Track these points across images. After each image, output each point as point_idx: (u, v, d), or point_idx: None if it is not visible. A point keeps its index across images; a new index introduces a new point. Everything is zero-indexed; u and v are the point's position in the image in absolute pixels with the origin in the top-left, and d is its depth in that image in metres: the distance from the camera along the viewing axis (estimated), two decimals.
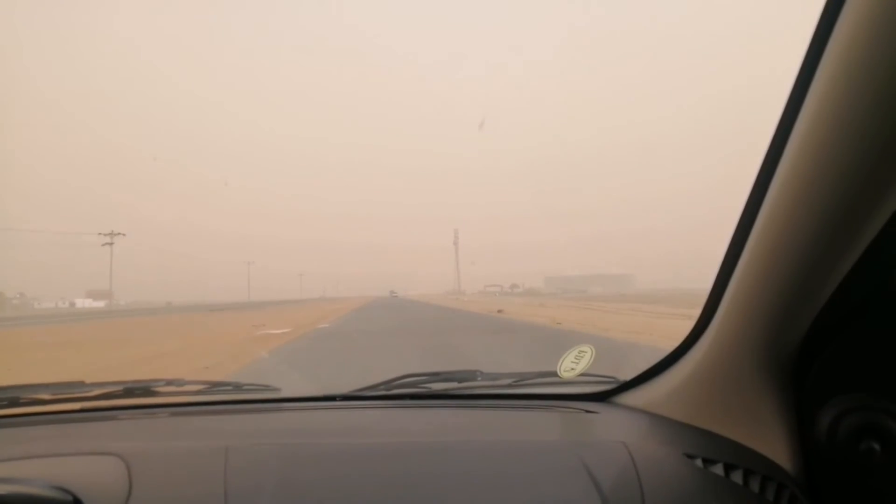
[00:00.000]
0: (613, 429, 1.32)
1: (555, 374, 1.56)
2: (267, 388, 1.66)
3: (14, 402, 1.43)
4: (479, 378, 1.66)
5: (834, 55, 0.77)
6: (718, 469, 1.06)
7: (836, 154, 0.81)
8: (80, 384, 1.54)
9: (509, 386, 1.64)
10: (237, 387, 1.66)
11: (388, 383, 1.61)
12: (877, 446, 0.97)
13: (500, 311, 24.80)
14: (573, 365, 1.53)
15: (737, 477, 1.05)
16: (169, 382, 1.58)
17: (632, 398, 1.41)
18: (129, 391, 1.52)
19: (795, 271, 0.93)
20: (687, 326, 1.26)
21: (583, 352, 1.55)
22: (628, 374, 1.47)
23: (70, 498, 0.95)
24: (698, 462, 1.08)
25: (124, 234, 72.04)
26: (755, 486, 1.04)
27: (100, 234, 70.37)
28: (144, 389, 1.53)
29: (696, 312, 1.22)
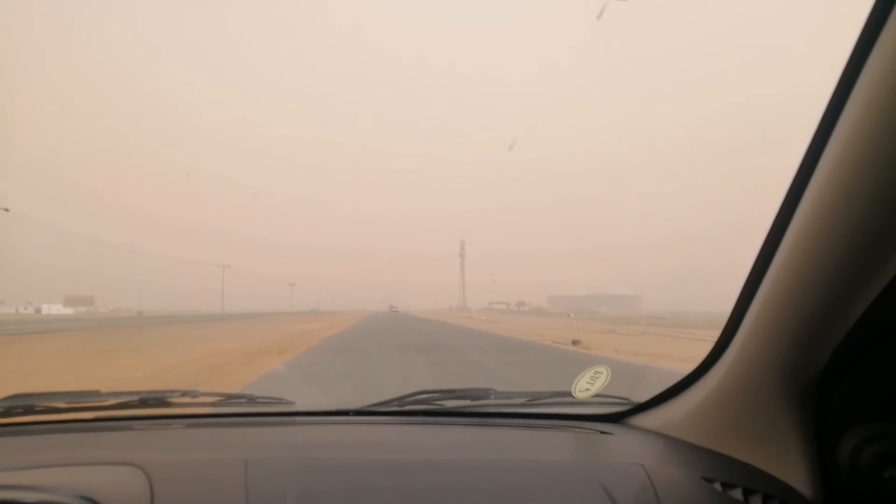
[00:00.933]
0: (630, 450, 1.33)
1: (568, 393, 1.58)
2: (280, 401, 1.66)
3: (29, 410, 1.41)
4: (493, 396, 1.67)
5: (873, 73, 0.77)
6: (737, 493, 1.08)
7: (869, 174, 0.81)
8: (96, 393, 1.52)
9: (523, 405, 1.65)
10: (251, 399, 1.66)
11: (401, 399, 1.62)
12: None
13: (576, 343, 16.40)
14: (588, 385, 1.55)
15: (756, 502, 1.06)
16: (184, 393, 1.57)
17: (647, 420, 1.43)
18: (145, 401, 1.51)
19: (821, 295, 0.93)
20: None
21: (598, 372, 1.57)
22: (643, 396, 1.49)
23: None
24: (717, 486, 1.09)
25: (7, 210, 54.98)
26: None
27: None
28: (159, 400, 1.53)
29: None
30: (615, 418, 1.51)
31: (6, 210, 55.57)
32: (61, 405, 1.45)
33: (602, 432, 1.42)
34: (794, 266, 0.96)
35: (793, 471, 1.10)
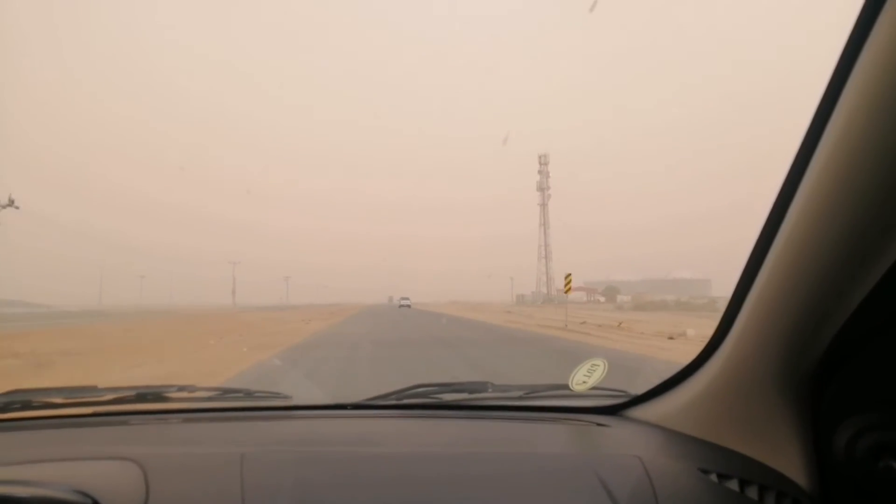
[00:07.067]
0: (627, 442, 1.33)
1: (566, 386, 1.57)
2: (278, 395, 1.66)
3: (27, 406, 1.43)
4: (490, 389, 1.67)
5: (871, 55, 0.76)
6: (734, 484, 1.08)
7: (865, 165, 0.81)
8: (93, 389, 1.54)
9: (520, 398, 1.65)
10: (248, 394, 1.67)
11: (398, 393, 1.62)
12: None
13: None
14: (585, 378, 1.55)
15: (752, 493, 1.06)
16: (181, 388, 1.58)
17: (644, 412, 1.43)
18: (142, 396, 1.53)
19: (818, 287, 0.93)
20: None
21: (595, 365, 1.56)
22: (640, 389, 1.48)
23: (89, 501, 0.95)
24: (713, 477, 1.09)
25: None
26: (770, 502, 1.05)
27: None
28: (156, 395, 1.54)
29: None
30: (612, 410, 1.50)
31: None
32: (59, 400, 1.47)
33: (599, 424, 1.42)
34: (790, 257, 0.95)
35: (789, 462, 1.10)
